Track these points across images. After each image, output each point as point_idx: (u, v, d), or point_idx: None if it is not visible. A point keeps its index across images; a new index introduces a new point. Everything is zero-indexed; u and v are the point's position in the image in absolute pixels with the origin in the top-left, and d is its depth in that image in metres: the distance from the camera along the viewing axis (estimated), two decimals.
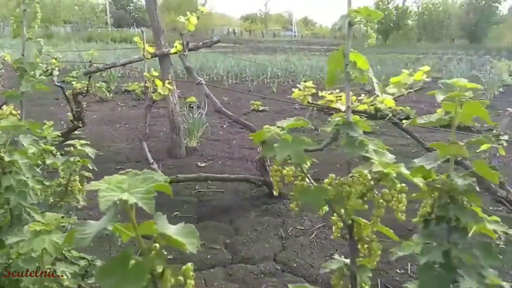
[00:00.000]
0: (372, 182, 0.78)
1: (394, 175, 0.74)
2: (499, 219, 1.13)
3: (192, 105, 6.31)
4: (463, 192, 1.13)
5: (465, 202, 1.12)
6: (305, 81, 2.95)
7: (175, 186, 3.20)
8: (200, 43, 4.32)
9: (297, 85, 2.91)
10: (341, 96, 2.89)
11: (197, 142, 4.65)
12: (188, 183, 3.39)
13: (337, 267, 0.85)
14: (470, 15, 35.49)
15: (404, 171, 0.75)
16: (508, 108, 2.95)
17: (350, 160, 0.89)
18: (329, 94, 2.88)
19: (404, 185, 0.80)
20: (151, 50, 3.92)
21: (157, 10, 4.11)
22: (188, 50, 3.77)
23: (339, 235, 0.88)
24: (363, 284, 0.83)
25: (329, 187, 0.79)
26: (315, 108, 2.85)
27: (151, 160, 3.50)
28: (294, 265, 2.23)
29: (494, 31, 38.24)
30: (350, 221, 0.80)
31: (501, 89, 7.94)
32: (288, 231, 2.63)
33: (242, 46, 30.98)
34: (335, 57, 0.84)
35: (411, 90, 2.80)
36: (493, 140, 1.18)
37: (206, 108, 4.87)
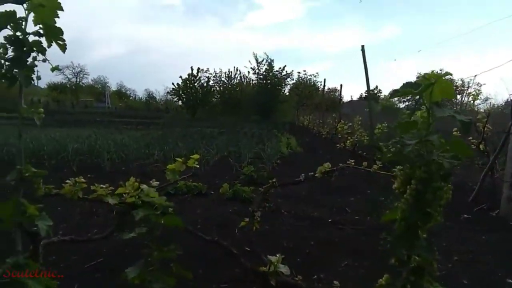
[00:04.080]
0: None
1: None
2: None
3: None
4: None
5: None
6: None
7: None
8: None
9: (67, 180, 2.85)
10: (111, 191, 2.98)
11: None
12: None
13: None
14: (261, 95, 42.23)
15: None
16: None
17: None
18: (100, 188, 2.93)
19: None
20: None
21: None
22: None
23: None
24: None
25: None
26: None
27: None
28: None
29: (280, 108, 46.36)
30: None
31: (278, 161, 9.53)
32: None
33: (47, 117, 28.00)
34: None
35: (185, 176, 3.13)
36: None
37: None
